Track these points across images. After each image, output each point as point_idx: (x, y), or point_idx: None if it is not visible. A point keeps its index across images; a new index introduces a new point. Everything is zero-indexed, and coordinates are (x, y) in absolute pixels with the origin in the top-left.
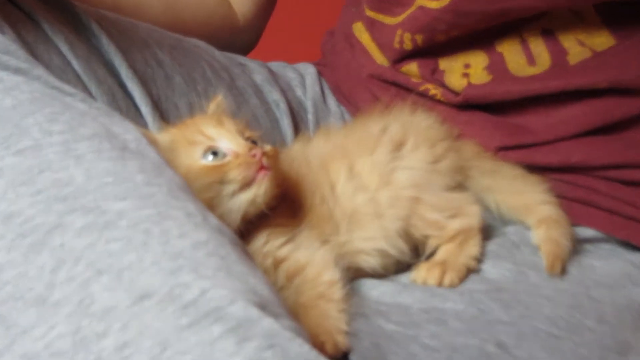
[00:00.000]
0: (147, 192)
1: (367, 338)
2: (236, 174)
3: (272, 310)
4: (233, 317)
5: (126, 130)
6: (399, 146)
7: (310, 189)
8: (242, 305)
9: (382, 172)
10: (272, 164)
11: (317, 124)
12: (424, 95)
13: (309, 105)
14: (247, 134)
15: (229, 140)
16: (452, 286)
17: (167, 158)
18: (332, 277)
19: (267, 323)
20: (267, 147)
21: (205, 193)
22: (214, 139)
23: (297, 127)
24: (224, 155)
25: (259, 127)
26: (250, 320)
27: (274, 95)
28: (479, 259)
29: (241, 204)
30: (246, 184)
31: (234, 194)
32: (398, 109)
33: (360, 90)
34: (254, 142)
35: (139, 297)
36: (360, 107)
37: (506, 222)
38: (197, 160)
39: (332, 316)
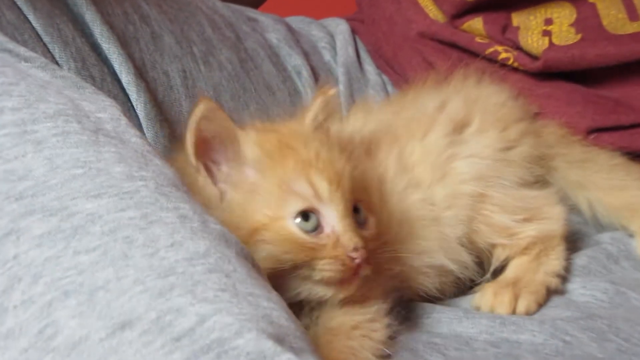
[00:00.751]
0: (128, 188)
1: None
2: (326, 268)
3: (293, 344)
4: (241, 352)
5: (101, 107)
6: (460, 128)
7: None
8: (252, 336)
9: (436, 161)
10: (369, 265)
11: (351, 97)
12: (491, 60)
13: (340, 72)
14: (356, 196)
15: (337, 214)
16: (528, 313)
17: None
18: (377, 311)
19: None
20: (370, 228)
21: (269, 261)
22: (322, 201)
23: None
24: (319, 228)
25: (274, 103)
26: (263, 356)
27: (294, 60)
28: (563, 276)
29: (313, 294)
30: (331, 283)
31: (313, 282)
32: (459, 79)
33: (407, 54)
34: (357, 211)
35: (118, 327)
36: (408, 75)
37: (601, 227)
38: (284, 217)
39: (362, 357)
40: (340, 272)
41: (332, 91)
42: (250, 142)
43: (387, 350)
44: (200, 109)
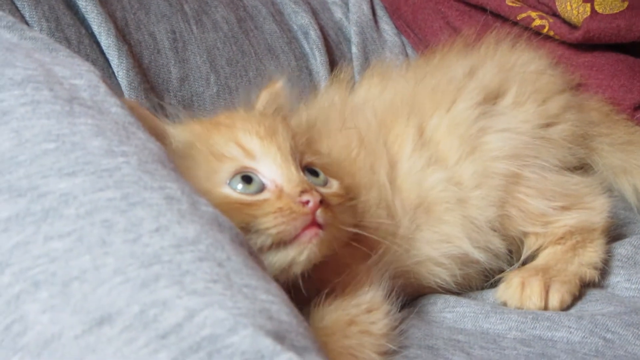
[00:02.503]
0: (107, 164)
1: None
2: (270, 224)
3: (294, 342)
4: (235, 351)
5: (76, 73)
6: (493, 98)
7: (360, 172)
8: (248, 333)
9: (464, 135)
10: (332, 219)
11: (366, 60)
12: (524, 27)
13: (353, 32)
14: (308, 157)
15: (275, 165)
16: (562, 307)
17: (180, 167)
18: (372, 299)
19: None
20: (333, 188)
21: None
22: (255, 157)
23: (335, 65)
24: (261, 186)
25: (277, 68)
26: (261, 355)
27: (300, 19)
28: (602, 269)
29: (269, 264)
30: (282, 242)
31: (262, 248)
32: (490, 43)
33: (428, 16)
34: (313, 172)
35: (95, 323)
36: (429, 41)
37: None
38: (220, 185)
39: (363, 358)
40: (291, 223)
41: (278, 84)
42: (178, 130)
43: (391, 346)
44: None
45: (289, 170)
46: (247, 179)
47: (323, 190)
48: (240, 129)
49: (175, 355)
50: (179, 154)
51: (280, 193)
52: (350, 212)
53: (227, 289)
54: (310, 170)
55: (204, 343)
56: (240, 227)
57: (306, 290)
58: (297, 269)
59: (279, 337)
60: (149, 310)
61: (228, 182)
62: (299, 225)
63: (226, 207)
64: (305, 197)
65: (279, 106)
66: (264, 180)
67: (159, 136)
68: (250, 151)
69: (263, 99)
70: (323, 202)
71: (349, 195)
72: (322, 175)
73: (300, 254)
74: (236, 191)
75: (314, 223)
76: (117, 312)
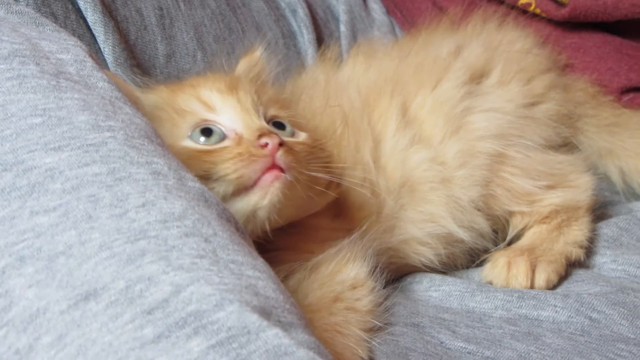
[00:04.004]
0: (93, 139)
1: None
2: (229, 170)
3: (281, 318)
4: (221, 327)
5: (63, 47)
6: (478, 77)
7: (344, 151)
8: (234, 309)
9: (449, 114)
10: (295, 162)
11: (354, 39)
12: (510, 6)
13: (341, 11)
14: (273, 111)
15: (234, 115)
16: (549, 287)
17: None
18: (357, 275)
19: (273, 336)
20: (300, 137)
21: None
22: (215, 110)
23: (322, 44)
24: (222, 137)
25: (264, 45)
26: (247, 331)
27: None
28: (588, 248)
29: (235, 213)
30: (243, 188)
31: (225, 197)
32: (477, 21)
33: None
34: (280, 126)
35: (81, 298)
36: (417, 21)
37: (636, 198)
38: (181, 138)
39: (349, 334)
40: (250, 166)
41: (257, 53)
42: (148, 95)
43: (376, 322)
44: None
45: (249, 119)
46: (207, 132)
47: (289, 139)
48: (202, 87)
49: (161, 331)
50: (148, 117)
51: (239, 140)
52: (319, 161)
53: (214, 265)
54: (276, 123)
55: (190, 319)
56: (200, 177)
57: (290, 264)
58: (262, 215)
59: (265, 313)
60: (135, 286)
61: (189, 134)
62: (259, 168)
63: (187, 158)
64: (263, 140)
65: (257, 73)
66: (225, 131)
67: (132, 102)
68: (210, 104)
69: (241, 66)
70: (284, 145)
71: (319, 144)
72: (288, 127)
73: (262, 198)
74: (198, 143)
75: (275, 165)
76: (103, 287)
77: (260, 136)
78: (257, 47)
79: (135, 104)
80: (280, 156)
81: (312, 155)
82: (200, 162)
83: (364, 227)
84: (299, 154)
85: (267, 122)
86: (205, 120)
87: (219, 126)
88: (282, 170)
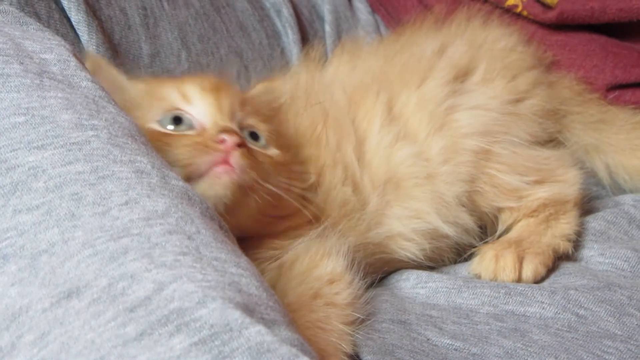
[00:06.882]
0: (77, 138)
1: (408, 359)
2: (182, 156)
3: (264, 315)
4: (204, 325)
5: (46, 47)
6: (462, 75)
7: (324, 151)
8: (217, 306)
9: (433, 111)
10: (252, 168)
11: (339, 39)
12: (496, 7)
13: (326, 10)
14: (252, 121)
15: (206, 110)
16: (537, 279)
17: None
18: (333, 270)
19: (255, 333)
20: (269, 152)
21: None
22: (190, 102)
23: (307, 44)
24: (190, 128)
25: (249, 45)
26: (229, 328)
27: None
28: (576, 242)
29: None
30: (195, 176)
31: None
32: (461, 20)
33: None
34: (254, 136)
35: (64, 296)
36: (402, 19)
37: (623, 193)
38: (150, 120)
39: (331, 329)
40: (202, 157)
41: (277, 82)
42: (136, 84)
43: (357, 314)
44: (88, 66)
45: (219, 116)
46: (177, 120)
47: (255, 147)
48: (187, 82)
49: (143, 329)
50: (131, 103)
51: (202, 132)
52: (284, 180)
53: (197, 262)
54: (252, 134)
55: (173, 316)
56: (161, 154)
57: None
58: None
59: (248, 310)
60: (117, 284)
61: (159, 118)
62: (209, 159)
63: (150, 140)
64: (222, 136)
65: (270, 101)
66: (193, 122)
67: (117, 88)
68: (188, 96)
69: (258, 89)
70: (243, 147)
71: (289, 164)
72: (262, 140)
73: (209, 188)
74: (164, 128)
75: (226, 162)
76: (86, 285)
77: (221, 131)
78: (277, 76)
79: (121, 89)
80: (236, 157)
81: (277, 172)
82: (159, 144)
83: (326, 222)
84: (261, 164)
85: (241, 129)
86: (177, 109)
87: (188, 116)
88: (233, 168)
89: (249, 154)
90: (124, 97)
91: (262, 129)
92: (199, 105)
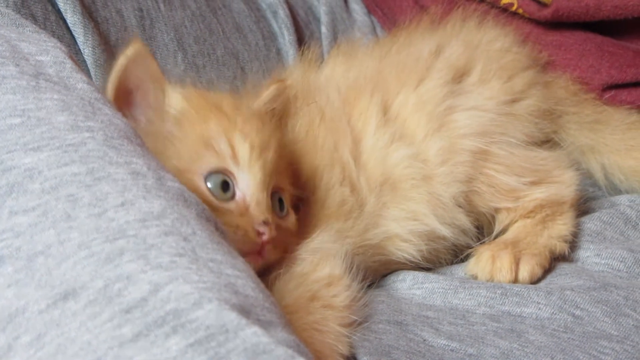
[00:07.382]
0: (72, 139)
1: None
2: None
3: (260, 316)
4: (200, 326)
5: (42, 49)
6: (459, 76)
7: (321, 151)
8: (213, 307)
9: (432, 112)
10: (276, 255)
11: (335, 40)
12: (492, 6)
13: (322, 12)
14: (280, 182)
15: (251, 184)
16: (533, 280)
17: (163, 132)
18: (332, 272)
19: (251, 334)
20: (288, 222)
21: None
22: (239, 166)
23: (303, 45)
24: (233, 194)
25: (245, 46)
26: (225, 329)
27: None
28: (572, 242)
29: None
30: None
31: None
32: (457, 20)
33: None
34: (280, 202)
35: (60, 297)
36: (398, 20)
37: (619, 194)
38: (196, 173)
39: (328, 331)
40: (238, 243)
41: (287, 82)
42: (177, 94)
43: (354, 317)
44: (130, 51)
45: (262, 194)
46: (225, 186)
47: (282, 222)
48: (237, 129)
49: (139, 330)
50: (170, 119)
51: (244, 211)
52: (292, 237)
53: (193, 263)
54: (279, 199)
55: (169, 317)
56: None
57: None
58: None
59: (244, 311)
60: (113, 285)
61: (205, 175)
62: (245, 248)
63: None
64: (262, 229)
65: (278, 105)
66: (237, 191)
67: (157, 87)
68: (237, 157)
69: (269, 93)
70: (275, 240)
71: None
72: (285, 207)
73: None
74: (208, 188)
75: (260, 254)
76: (82, 286)
77: (262, 222)
78: (286, 77)
79: (155, 90)
80: (268, 250)
81: (293, 235)
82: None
83: (335, 222)
84: (284, 237)
85: (271, 193)
86: (227, 171)
87: (234, 184)
88: (263, 255)
89: (277, 231)
90: (157, 98)
91: (286, 189)
92: (246, 173)
